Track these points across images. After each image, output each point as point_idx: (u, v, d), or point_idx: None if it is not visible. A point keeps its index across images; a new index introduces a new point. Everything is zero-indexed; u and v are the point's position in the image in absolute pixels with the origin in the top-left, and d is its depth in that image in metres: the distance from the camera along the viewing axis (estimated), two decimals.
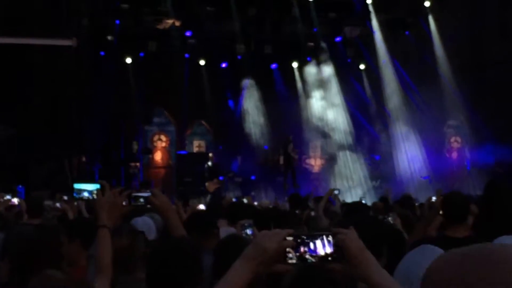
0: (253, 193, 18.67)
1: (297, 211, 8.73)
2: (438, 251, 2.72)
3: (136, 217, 5.47)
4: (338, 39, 22.22)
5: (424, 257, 2.70)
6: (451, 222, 4.81)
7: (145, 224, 5.28)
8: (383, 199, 10.40)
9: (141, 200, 3.78)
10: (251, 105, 21.88)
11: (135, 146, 21.08)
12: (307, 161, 22.42)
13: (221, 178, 19.89)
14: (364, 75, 22.77)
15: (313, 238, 1.95)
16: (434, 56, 20.66)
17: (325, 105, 21.63)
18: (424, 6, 20.77)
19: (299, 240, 1.94)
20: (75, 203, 9.36)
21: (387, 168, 20.81)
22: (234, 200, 12.78)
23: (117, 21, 20.53)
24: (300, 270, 2.14)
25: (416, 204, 9.69)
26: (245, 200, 12.23)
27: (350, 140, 21.31)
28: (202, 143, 23.02)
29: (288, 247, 1.94)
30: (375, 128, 21.96)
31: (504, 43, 19.18)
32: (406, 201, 9.11)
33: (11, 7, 17.78)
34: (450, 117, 20.85)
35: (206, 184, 18.97)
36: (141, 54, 21.34)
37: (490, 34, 19.98)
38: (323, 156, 22.47)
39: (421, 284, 1.30)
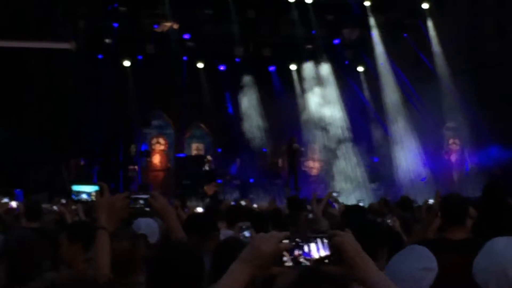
0: (251, 196, 18.62)
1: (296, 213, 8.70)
2: (426, 252, 2.75)
3: (140, 218, 5.39)
4: (336, 41, 22.23)
5: (412, 257, 2.72)
6: (450, 224, 4.79)
7: (148, 226, 5.21)
8: (383, 201, 10.40)
9: (141, 202, 3.75)
10: (250, 107, 21.86)
11: (133, 149, 21.07)
12: (306, 163, 22.39)
13: (219, 181, 19.88)
14: (362, 77, 22.78)
15: (308, 242, 1.95)
16: (433, 58, 20.67)
17: (323, 106, 21.61)
18: (422, 8, 20.75)
19: (294, 243, 1.94)
20: (73, 207, 9.34)
21: (385, 170, 20.81)
22: (232, 203, 12.75)
23: (115, 24, 20.51)
24: (299, 273, 2.14)
25: (415, 206, 9.68)
26: (243, 203, 12.19)
27: (349, 140, 21.27)
28: (201, 146, 22.99)
29: (285, 250, 1.93)
30: (374, 130, 21.95)
31: (502, 45, 19.19)
32: (405, 203, 9.11)
33: (9, 11, 17.78)
34: (449, 118, 20.83)
35: (205, 187, 18.95)
36: (140, 57, 21.32)
37: (488, 35, 19.99)
38: (321, 158, 22.42)
39: None
